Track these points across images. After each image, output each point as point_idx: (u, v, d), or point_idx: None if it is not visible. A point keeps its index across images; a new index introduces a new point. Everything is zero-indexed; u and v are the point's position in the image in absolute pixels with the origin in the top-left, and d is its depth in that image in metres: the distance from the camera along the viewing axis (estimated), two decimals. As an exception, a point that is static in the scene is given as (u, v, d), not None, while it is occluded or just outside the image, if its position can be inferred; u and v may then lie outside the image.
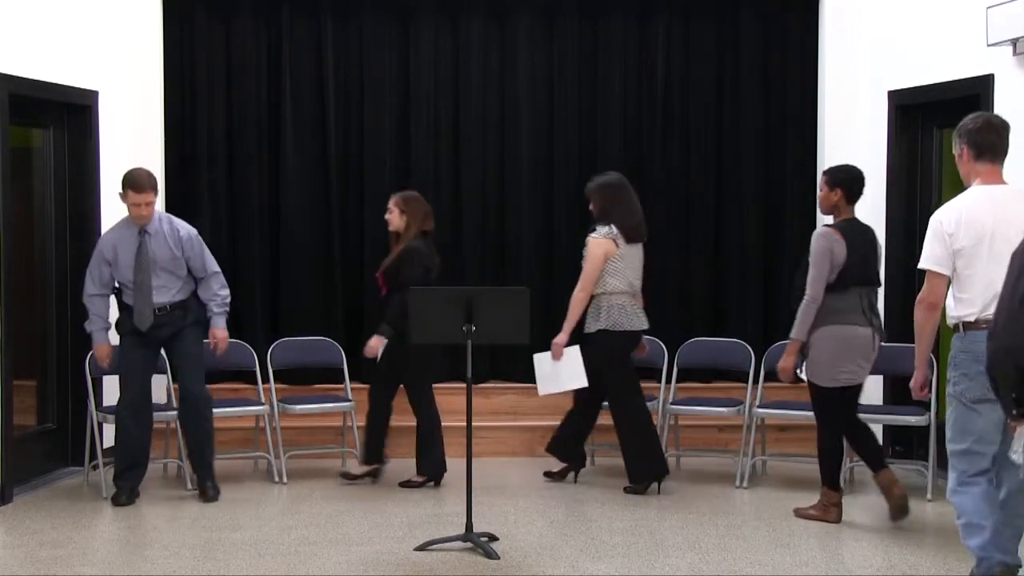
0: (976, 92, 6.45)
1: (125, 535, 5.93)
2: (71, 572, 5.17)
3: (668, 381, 7.13)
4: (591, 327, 6.49)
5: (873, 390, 7.15)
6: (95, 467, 6.64)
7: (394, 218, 6.67)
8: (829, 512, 5.94)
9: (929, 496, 6.33)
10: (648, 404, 7.04)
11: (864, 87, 7.53)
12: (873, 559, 5.32)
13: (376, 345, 6.55)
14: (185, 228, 6.41)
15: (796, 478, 6.82)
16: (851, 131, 7.63)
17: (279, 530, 5.82)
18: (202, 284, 6.43)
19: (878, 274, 5.92)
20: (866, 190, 7.57)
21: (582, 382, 6.49)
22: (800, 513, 6.04)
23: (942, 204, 6.53)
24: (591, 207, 6.63)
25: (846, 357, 5.74)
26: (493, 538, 5.54)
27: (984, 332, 4.07)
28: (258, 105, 7.90)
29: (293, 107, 7.89)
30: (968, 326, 4.48)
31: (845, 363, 5.75)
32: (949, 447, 4.61)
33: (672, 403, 7.04)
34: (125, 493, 6.28)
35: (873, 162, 7.42)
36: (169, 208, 7.61)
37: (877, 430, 7.31)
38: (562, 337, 6.51)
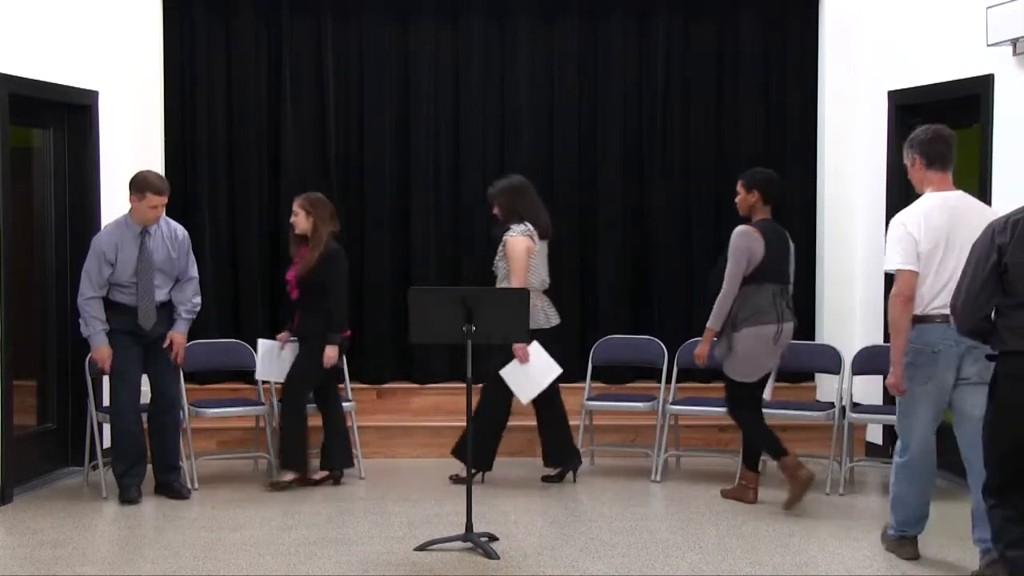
0: (976, 92, 6.45)
1: (125, 535, 5.93)
2: (71, 572, 5.17)
3: (668, 381, 7.12)
4: None
5: (873, 391, 7.15)
6: (95, 467, 6.65)
7: (300, 220, 6.64)
8: (747, 493, 6.30)
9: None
10: (648, 404, 7.07)
11: (864, 87, 7.54)
12: (873, 559, 5.32)
13: (333, 355, 6.57)
14: (181, 229, 6.52)
15: (796, 478, 6.81)
16: (851, 131, 7.64)
17: (279, 530, 5.82)
18: (178, 287, 6.47)
19: (789, 273, 6.31)
20: (866, 190, 7.61)
21: (556, 370, 6.54)
22: (725, 494, 6.39)
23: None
24: (496, 211, 6.72)
25: (765, 354, 6.17)
26: (493, 538, 5.54)
27: (930, 325, 4.87)
28: (258, 105, 7.90)
29: (293, 107, 7.89)
30: (917, 319, 4.94)
31: (763, 359, 6.18)
32: (897, 423, 5.21)
33: (672, 403, 7.03)
34: (134, 491, 6.31)
35: (873, 162, 7.43)
36: (169, 208, 7.58)
37: (877, 430, 7.35)
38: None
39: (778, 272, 6.16)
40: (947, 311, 4.63)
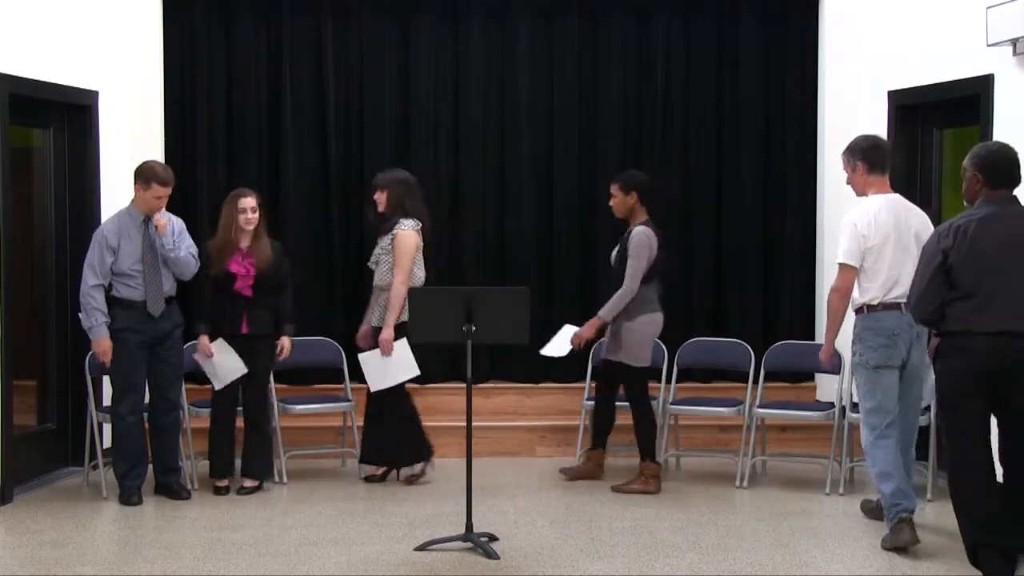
0: (976, 92, 6.45)
1: (125, 535, 5.93)
2: (71, 572, 5.17)
3: (668, 381, 7.12)
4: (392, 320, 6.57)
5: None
6: (95, 467, 6.65)
7: (256, 218, 6.56)
8: (650, 483, 6.53)
9: (929, 496, 6.32)
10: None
11: (864, 87, 7.53)
12: (873, 559, 5.32)
13: (290, 346, 6.60)
14: (178, 220, 6.56)
15: (796, 478, 6.81)
16: (851, 131, 7.57)
17: (279, 530, 5.83)
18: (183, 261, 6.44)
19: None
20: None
21: (414, 371, 6.58)
22: (620, 488, 6.55)
23: (943, 205, 6.63)
24: (381, 199, 6.69)
25: (653, 340, 6.68)
26: (493, 538, 5.54)
27: (883, 312, 5.49)
28: (258, 105, 7.90)
29: (293, 107, 7.89)
30: (871, 308, 5.55)
31: (650, 345, 6.65)
32: (862, 406, 5.63)
33: (672, 403, 7.03)
34: (135, 492, 6.31)
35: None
36: (169, 206, 7.59)
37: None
38: (388, 332, 6.55)
39: (662, 269, 6.64)
40: (902, 300, 5.36)
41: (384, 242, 6.63)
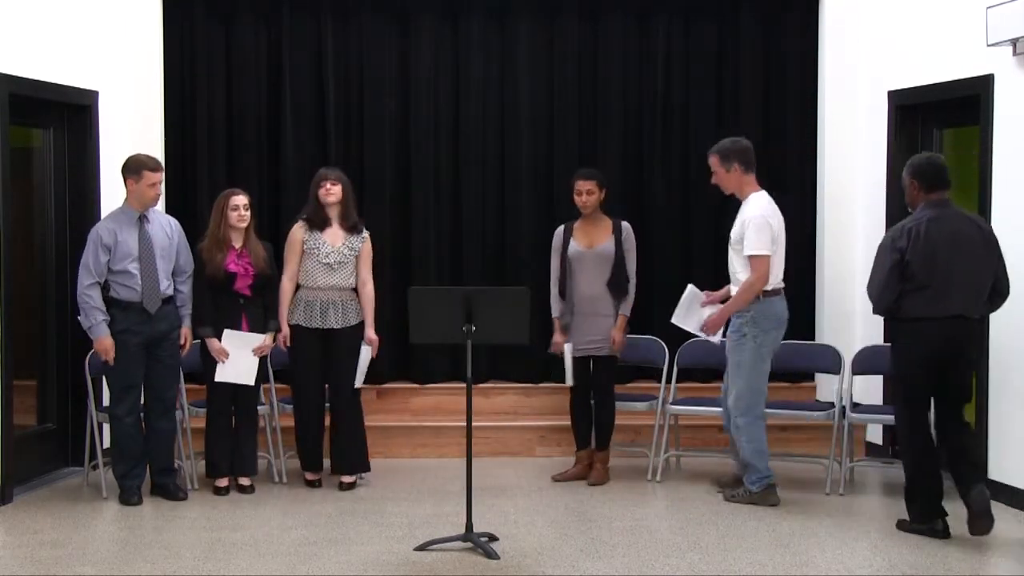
0: (976, 92, 6.45)
1: (125, 535, 5.92)
2: (71, 572, 5.17)
3: (668, 381, 7.12)
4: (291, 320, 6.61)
5: (873, 390, 7.16)
6: (95, 467, 6.65)
7: (248, 216, 6.56)
8: (605, 474, 6.83)
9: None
10: (648, 404, 7.07)
11: (864, 87, 7.54)
12: (873, 559, 5.32)
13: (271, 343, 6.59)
14: (174, 220, 6.59)
15: (797, 478, 6.81)
16: (851, 131, 7.64)
17: (279, 530, 5.83)
18: (180, 282, 6.46)
19: None
20: (866, 190, 7.61)
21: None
22: (560, 477, 6.82)
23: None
24: (338, 197, 6.66)
25: None
26: (493, 538, 5.54)
27: (778, 298, 6.22)
28: (258, 105, 7.89)
29: (293, 107, 7.89)
30: (767, 294, 6.18)
31: None
32: (744, 385, 6.23)
33: (672, 403, 7.03)
34: (135, 492, 6.31)
35: (873, 162, 7.43)
36: (169, 208, 7.62)
37: (877, 430, 7.36)
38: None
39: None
40: (783, 287, 6.26)
41: (355, 243, 6.65)
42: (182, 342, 6.43)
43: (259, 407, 6.75)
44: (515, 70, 8.01)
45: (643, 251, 7.91)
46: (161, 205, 7.53)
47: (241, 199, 6.50)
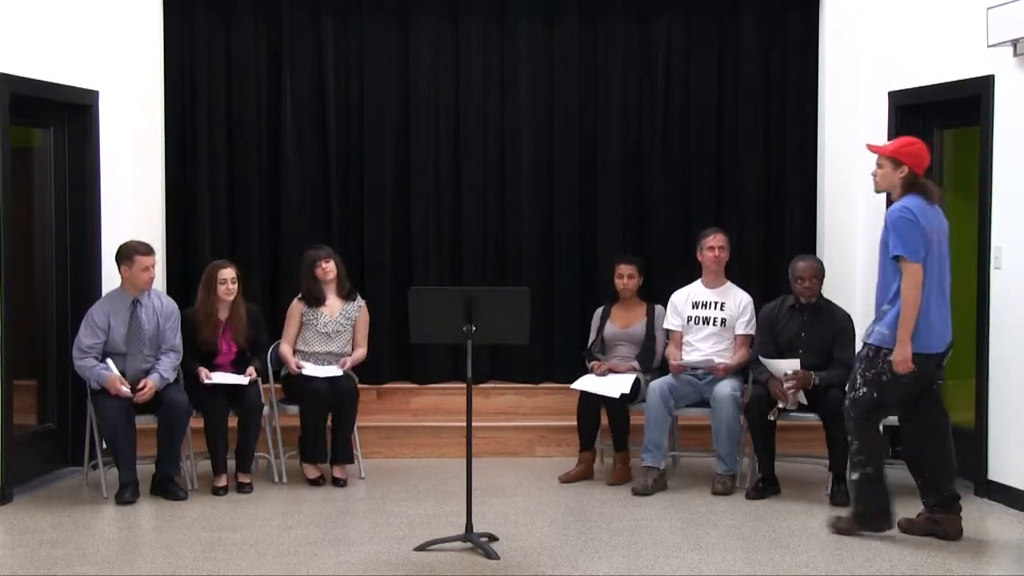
0: (976, 93, 6.45)
1: (125, 535, 5.93)
2: (71, 572, 5.17)
3: (668, 381, 7.12)
4: None
5: (873, 390, 7.14)
6: (95, 467, 6.64)
7: (236, 289, 6.74)
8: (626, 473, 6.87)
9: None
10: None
11: (864, 87, 7.53)
12: (874, 559, 5.32)
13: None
14: (169, 302, 6.70)
15: (797, 478, 6.80)
16: (851, 131, 7.63)
17: (279, 530, 5.83)
18: (161, 356, 6.56)
19: None
20: (866, 190, 7.57)
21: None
22: (566, 478, 6.80)
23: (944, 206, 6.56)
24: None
25: None
26: (493, 538, 5.54)
27: None
28: (258, 105, 7.89)
29: (293, 107, 7.89)
30: None
31: None
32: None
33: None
34: (131, 491, 6.32)
35: (873, 162, 7.41)
36: (169, 208, 7.63)
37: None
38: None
39: None
40: None
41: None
42: (141, 386, 6.41)
43: (261, 407, 6.76)
44: (515, 70, 8.01)
45: (643, 251, 7.96)
46: (161, 206, 7.58)
47: (228, 272, 6.69)
